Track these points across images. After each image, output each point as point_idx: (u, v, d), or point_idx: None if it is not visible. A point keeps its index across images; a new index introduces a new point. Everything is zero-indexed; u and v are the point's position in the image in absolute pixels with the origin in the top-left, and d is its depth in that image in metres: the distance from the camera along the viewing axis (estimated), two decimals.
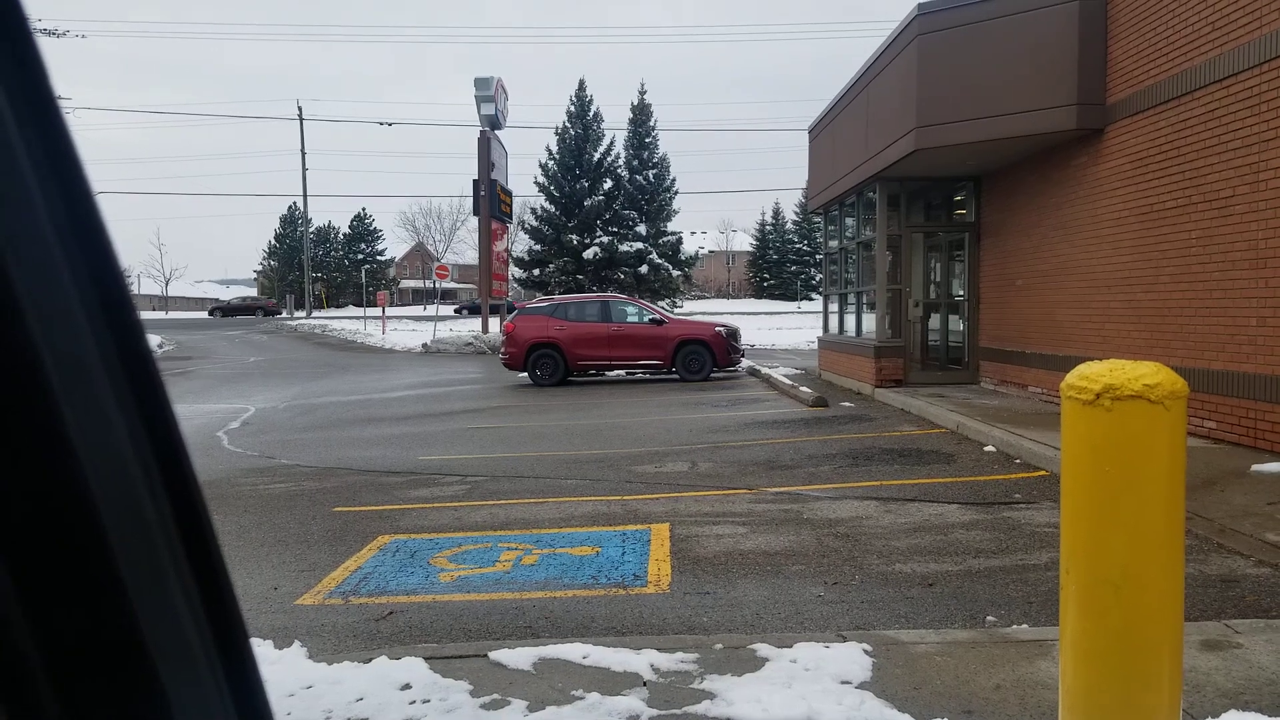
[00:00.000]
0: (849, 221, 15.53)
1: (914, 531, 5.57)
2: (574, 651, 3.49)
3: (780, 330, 35.51)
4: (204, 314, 78.04)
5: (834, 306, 16.70)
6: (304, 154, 54.11)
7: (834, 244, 16.58)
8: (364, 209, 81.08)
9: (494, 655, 3.50)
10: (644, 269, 40.98)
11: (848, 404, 12.21)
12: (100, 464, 0.53)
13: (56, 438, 0.51)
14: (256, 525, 6.30)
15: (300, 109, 54.58)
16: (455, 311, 57.52)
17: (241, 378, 19.88)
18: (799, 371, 17.47)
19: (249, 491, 7.54)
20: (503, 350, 17.38)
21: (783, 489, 6.90)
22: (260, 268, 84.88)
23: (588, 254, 40.42)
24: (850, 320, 15.33)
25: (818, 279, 67.92)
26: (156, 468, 0.57)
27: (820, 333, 18.05)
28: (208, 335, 36.69)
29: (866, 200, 14.09)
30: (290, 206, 79.49)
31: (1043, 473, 7.16)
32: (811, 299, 68.44)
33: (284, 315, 57.86)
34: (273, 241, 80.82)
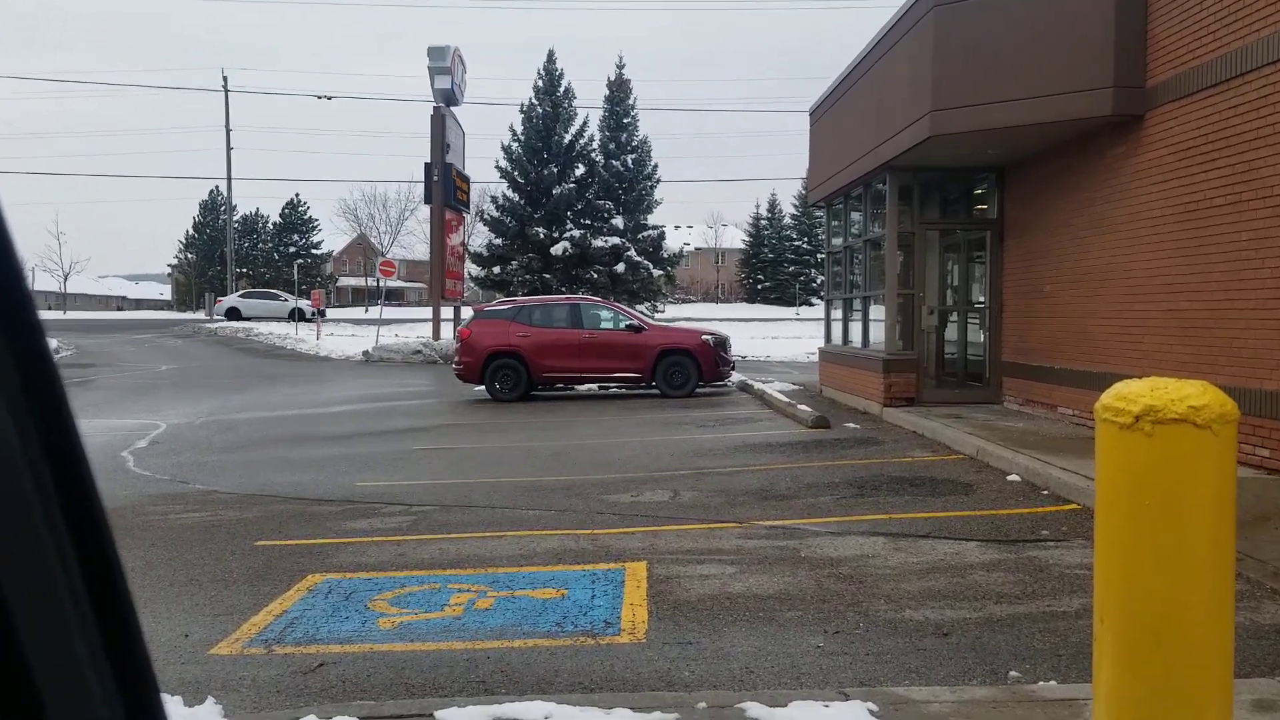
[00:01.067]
0: (855, 216, 15.62)
1: (927, 573, 5.58)
2: (535, 711, 3.46)
3: (776, 340, 35.66)
4: (109, 314, 77.14)
5: (837, 313, 16.79)
6: (229, 130, 53.73)
7: (838, 242, 16.68)
8: (297, 195, 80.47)
9: (441, 715, 3.46)
10: (620, 268, 41.05)
11: (852, 425, 12.27)
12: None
13: None
14: (166, 561, 6.20)
15: (225, 79, 54.25)
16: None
17: (151, 389, 19.65)
18: (797, 387, 17.54)
19: (158, 521, 7.43)
20: (456, 359, 17.32)
21: (777, 523, 6.92)
22: (176, 261, 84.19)
23: (556, 249, 40.43)
24: (856, 329, 15.41)
25: (819, 281, 68.36)
26: (55, 492, 0.55)
27: (821, 343, 18.13)
28: (113, 339, 36.27)
29: (875, 192, 14.19)
30: (212, 191, 78.97)
31: (1074, 506, 7.21)
32: (812, 304, 68.85)
33: (203, 316, 57.33)
34: (191, 231, 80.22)
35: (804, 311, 62.76)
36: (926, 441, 10.71)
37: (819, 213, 61.30)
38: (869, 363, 13.79)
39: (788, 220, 77.87)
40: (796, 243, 75.04)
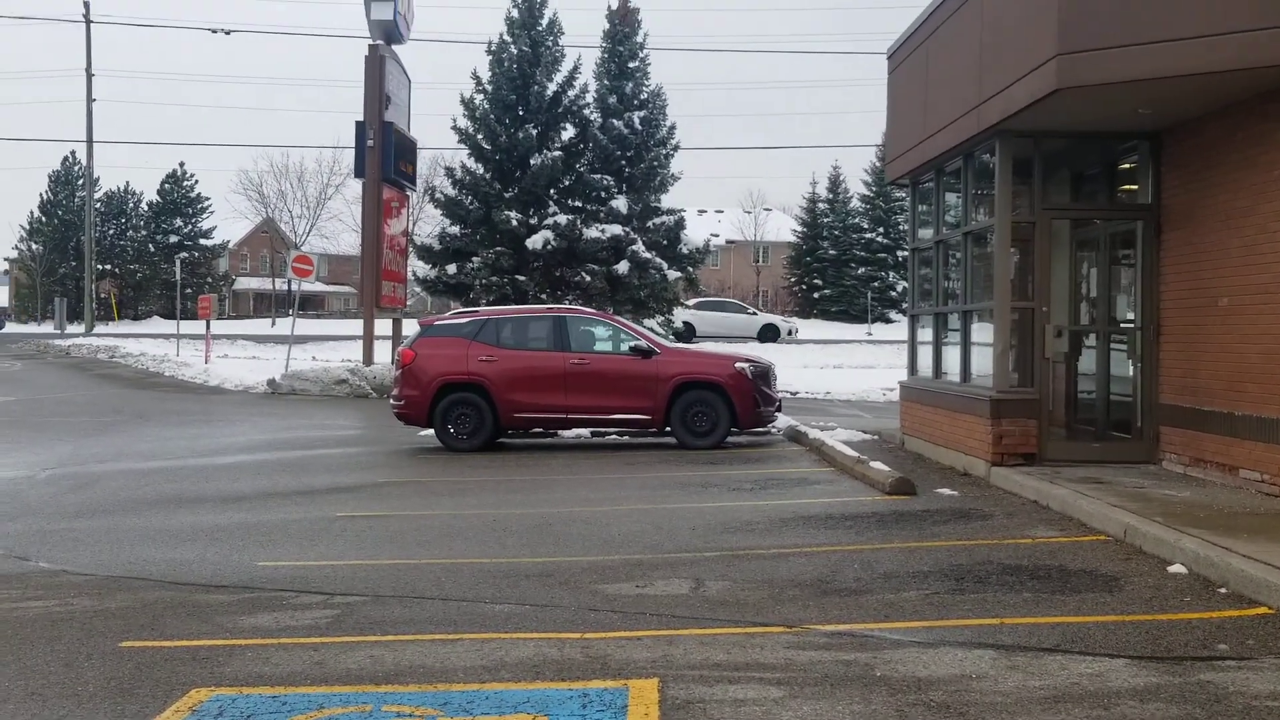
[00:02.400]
0: (951, 199, 15.62)
1: (1055, 701, 5.51)
2: None
3: (840, 369, 35.59)
4: None
5: (926, 333, 16.74)
6: (90, 75, 54.29)
7: (927, 234, 16.67)
8: (182, 165, 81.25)
9: None
10: (623, 267, 41.08)
11: (947, 490, 12.19)
12: None
13: None
14: None
15: (87, 7, 54.81)
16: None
17: None
18: (869, 437, 17.47)
19: None
20: (396, 393, 17.32)
21: (842, 627, 6.85)
22: (15, 254, 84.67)
23: (534, 241, 40.48)
24: (952, 356, 15.36)
25: (900, 289, 68.42)
26: None
27: (904, 375, 18.05)
28: None
29: (979, 166, 14.19)
30: (66, 158, 79.84)
31: (1264, 610, 7.13)
32: (890, 320, 68.83)
33: (52, 330, 57.61)
34: (36, 214, 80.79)
35: (879, 330, 62.72)
36: (1052, 516, 10.62)
37: (900, 193, 61.19)
38: (971, 404, 13.73)
39: (856, 203, 77.94)
40: (868, 235, 75.13)
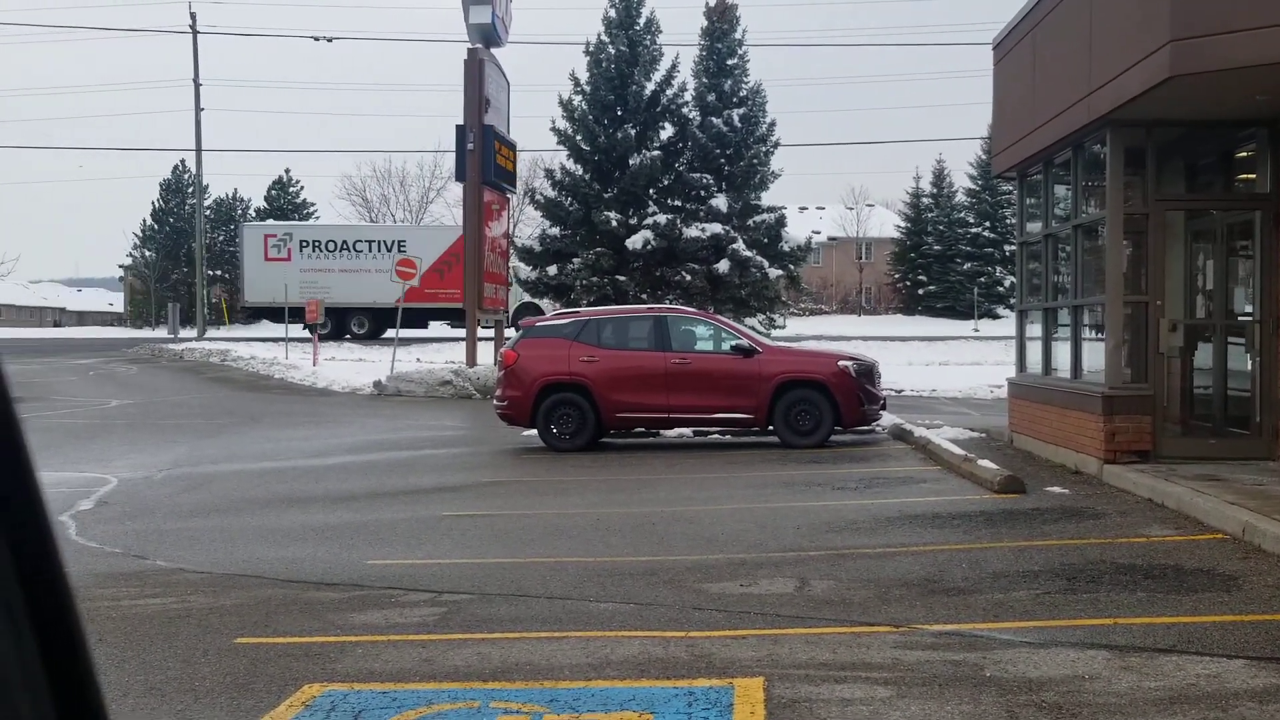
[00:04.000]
0: (1061, 192, 15.41)
1: (1171, 703, 5.44)
2: None
3: (945, 367, 35.24)
4: (44, 331, 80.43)
5: (1035, 329, 16.57)
6: (197, 85, 55.69)
7: (1035, 228, 16.46)
8: (288, 171, 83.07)
9: None
10: (723, 266, 41.04)
11: (1057, 489, 12.05)
12: None
13: None
14: (117, 663, 6.39)
15: (193, 17, 56.30)
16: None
17: (97, 432, 20.34)
18: (976, 434, 17.28)
19: (107, 609, 7.66)
20: (499, 394, 17.52)
21: (950, 627, 6.82)
22: (129, 260, 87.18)
23: (634, 241, 40.64)
24: (1062, 352, 15.17)
25: (1008, 284, 67.36)
26: (14, 574, 0.58)
27: (1011, 372, 17.85)
28: (48, 364, 37.73)
29: (1090, 157, 13.97)
30: (176, 167, 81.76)
31: None
32: (998, 316, 67.85)
33: (166, 334, 59.26)
34: (149, 222, 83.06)
35: (986, 326, 61.91)
36: (1168, 514, 10.45)
37: (1007, 187, 60.36)
38: (1082, 400, 13.53)
39: (961, 198, 76.95)
40: (974, 229, 74.16)
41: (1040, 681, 5.76)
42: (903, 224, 79.41)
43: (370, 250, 46.39)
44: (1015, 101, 16.27)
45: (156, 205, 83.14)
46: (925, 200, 77.65)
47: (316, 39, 52.27)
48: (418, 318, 44.43)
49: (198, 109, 55.27)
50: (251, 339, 45.86)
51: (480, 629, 6.98)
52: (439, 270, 43.67)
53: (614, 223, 40.50)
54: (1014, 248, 18.68)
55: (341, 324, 45.85)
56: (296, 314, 39.62)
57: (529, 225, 61.22)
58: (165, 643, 6.83)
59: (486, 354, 29.91)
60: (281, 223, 57.83)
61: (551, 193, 43.30)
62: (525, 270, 43.36)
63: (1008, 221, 67.41)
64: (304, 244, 46.97)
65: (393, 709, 5.51)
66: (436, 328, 47.51)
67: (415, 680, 5.97)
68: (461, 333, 32.33)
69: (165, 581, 8.68)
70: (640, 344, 17.23)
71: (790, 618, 7.11)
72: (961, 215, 75.70)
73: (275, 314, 45.50)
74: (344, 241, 47.11)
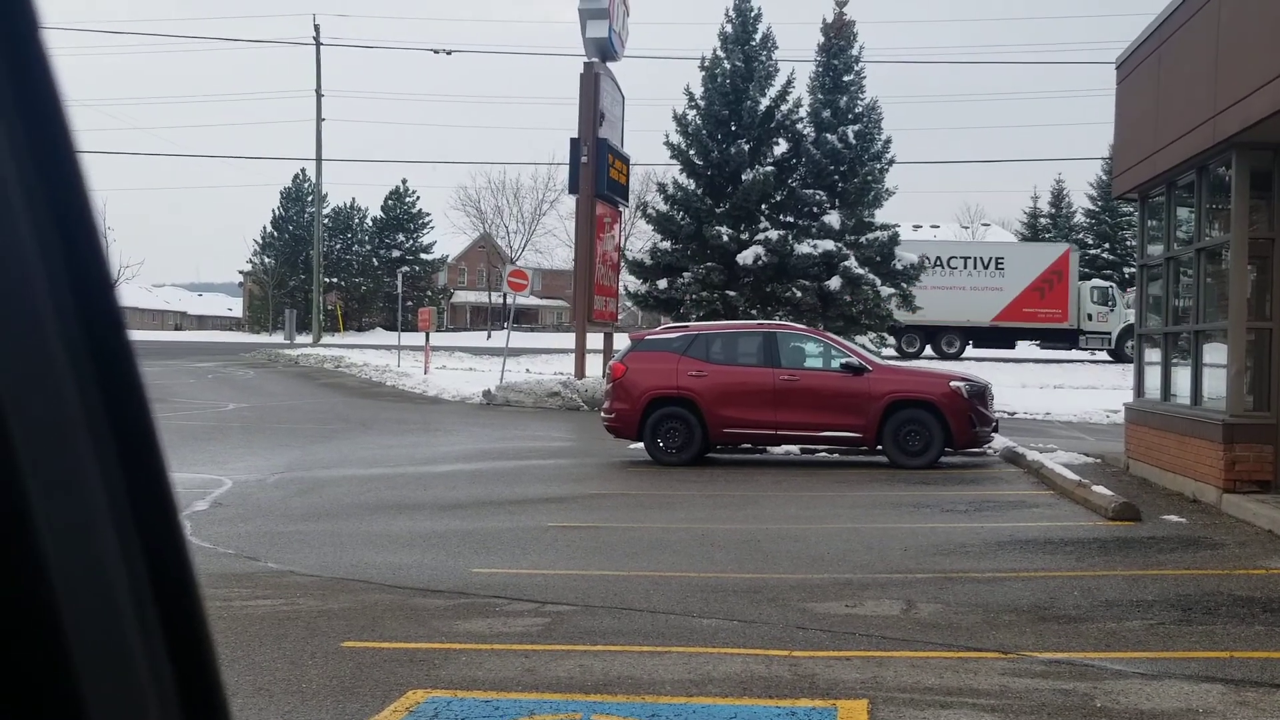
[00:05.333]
0: (1184, 214, 15.09)
1: None
2: None
3: (1060, 390, 34.58)
4: (164, 333, 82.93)
5: (1154, 354, 16.24)
6: (319, 96, 57.08)
7: (1157, 250, 16.13)
8: (404, 182, 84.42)
9: None
10: (835, 283, 40.72)
11: (1174, 518, 11.82)
12: (78, 582, 0.56)
13: (18, 527, 0.54)
14: (227, 663, 6.52)
15: (317, 29, 57.69)
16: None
17: (213, 434, 20.90)
18: (1091, 460, 16.94)
19: (219, 610, 7.85)
20: (606, 406, 17.62)
21: (1060, 655, 6.71)
22: (250, 267, 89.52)
23: (745, 257, 40.53)
24: (1182, 376, 14.83)
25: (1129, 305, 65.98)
26: (147, 576, 0.60)
27: (1129, 396, 17.49)
28: (168, 367, 38.90)
29: (1214, 179, 13.65)
30: (297, 176, 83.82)
31: None
32: None
33: (282, 339, 60.66)
34: (269, 229, 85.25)
35: (1103, 350, 60.57)
36: None
37: (1128, 208, 59.14)
38: (1201, 428, 13.21)
39: (1080, 218, 75.62)
40: (1094, 251, 72.72)
41: (1153, 714, 5.63)
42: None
43: (966, 267, 45.56)
44: (1138, 122, 15.99)
45: (277, 213, 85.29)
46: (1043, 220, 76.56)
47: (436, 51, 53.21)
48: (1006, 337, 44.04)
49: (319, 119, 56.64)
50: (365, 346, 46.77)
51: (583, 641, 7.01)
52: (1039, 289, 43.01)
53: (725, 238, 40.43)
54: (1134, 270, 18.30)
55: (933, 341, 45.30)
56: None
57: (640, 239, 61.50)
58: (274, 644, 6.97)
59: (595, 366, 30.11)
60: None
61: (663, 206, 43.38)
62: (635, 283, 43.53)
63: (1128, 244, 66.10)
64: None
65: (495, 717, 5.56)
66: (546, 339, 47.89)
67: (517, 690, 6.01)
68: (571, 343, 32.52)
69: (275, 583, 8.87)
70: (749, 360, 17.20)
71: (896, 640, 7.03)
72: (1080, 236, 74.34)
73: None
74: (938, 258, 46.10)
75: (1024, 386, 33.76)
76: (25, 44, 0.61)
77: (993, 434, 17.22)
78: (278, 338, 66.84)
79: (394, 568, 9.38)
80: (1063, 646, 6.89)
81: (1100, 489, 12.86)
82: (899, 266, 43.46)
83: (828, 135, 42.78)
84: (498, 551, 10.20)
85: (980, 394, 16.83)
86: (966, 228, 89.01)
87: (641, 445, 17.32)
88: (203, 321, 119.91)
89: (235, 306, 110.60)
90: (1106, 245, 71.75)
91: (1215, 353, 13.51)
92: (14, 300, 0.58)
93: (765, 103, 42.92)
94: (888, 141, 44.27)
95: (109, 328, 0.64)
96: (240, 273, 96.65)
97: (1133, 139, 16.27)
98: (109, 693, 0.58)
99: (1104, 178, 65.14)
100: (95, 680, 0.57)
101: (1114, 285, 45.05)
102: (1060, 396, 32.04)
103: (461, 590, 8.52)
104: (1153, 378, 16.20)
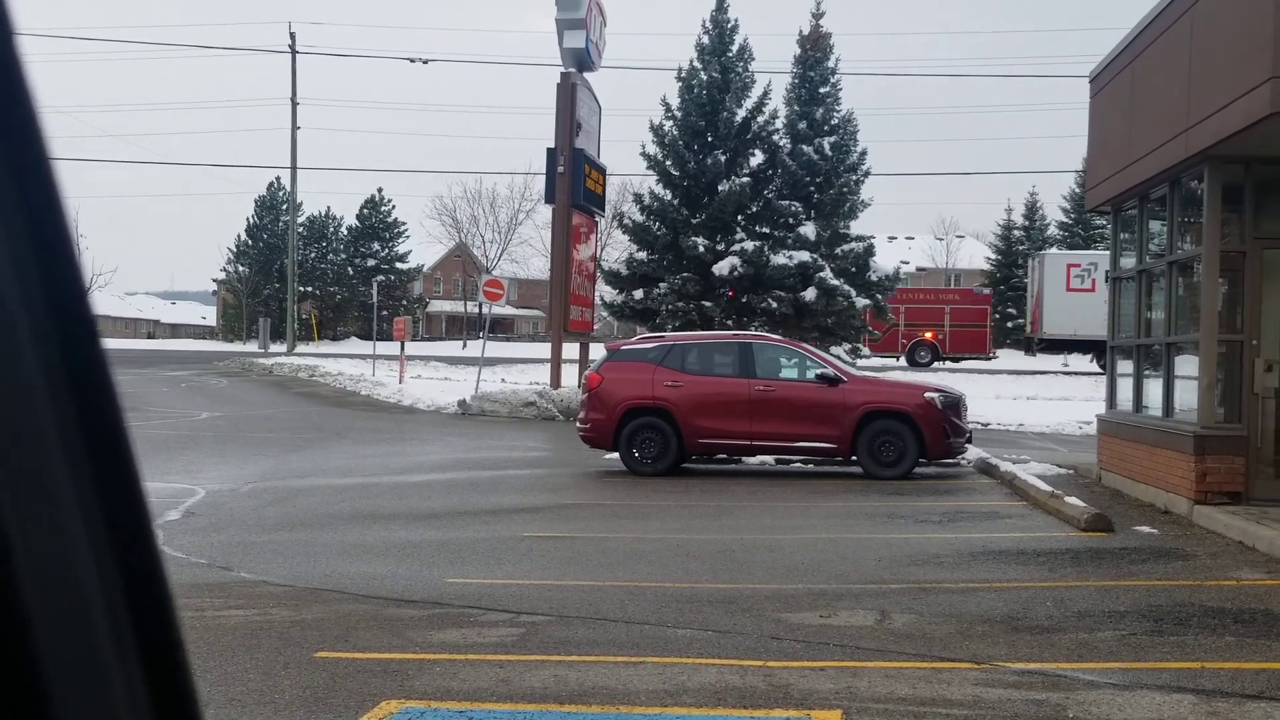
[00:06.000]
0: (1155, 227, 15.20)
1: None
2: None
3: (1033, 401, 34.74)
4: (137, 342, 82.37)
5: (1126, 365, 16.34)
6: (295, 104, 56.89)
7: (1129, 263, 16.24)
8: (380, 191, 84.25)
9: None
10: (810, 294, 40.85)
11: (1146, 529, 11.89)
12: (50, 592, 0.57)
13: None
14: (200, 673, 6.47)
15: (293, 37, 57.49)
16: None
17: (186, 443, 20.79)
18: (1064, 471, 17.03)
19: (191, 620, 7.81)
20: (582, 416, 17.61)
21: (1032, 665, 6.74)
22: (223, 275, 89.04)
23: (721, 267, 40.62)
24: (1154, 389, 14.93)
25: (1100, 319, 66.41)
26: (121, 586, 0.61)
27: (1101, 408, 17.59)
28: (140, 375, 38.64)
29: (1186, 193, 13.76)
30: (271, 184, 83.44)
31: None
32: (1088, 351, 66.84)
33: (257, 348, 60.38)
34: (244, 237, 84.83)
35: (1075, 361, 60.93)
36: (1259, 558, 10.23)
37: (1101, 221, 59.60)
38: (1173, 439, 13.29)
39: (1054, 231, 76.25)
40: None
41: None
42: (993, 256, 78.84)
43: None
44: (1111, 135, 16.10)
45: (251, 221, 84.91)
46: (1017, 233, 77.00)
47: (412, 60, 53.14)
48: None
49: (294, 127, 56.45)
50: (340, 355, 46.59)
51: (558, 651, 7.01)
52: None
53: (701, 248, 40.52)
54: (1109, 282, 18.41)
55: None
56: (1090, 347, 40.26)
57: (616, 249, 61.50)
58: (247, 654, 6.94)
59: (571, 376, 30.10)
60: (1085, 252, 55.32)
61: (639, 217, 43.44)
62: (611, 294, 43.51)
63: (1099, 254, 66.65)
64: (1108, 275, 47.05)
65: None
66: (522, 349, 47.81)
67: (492, 700, 6.01)
68: (547, 353, 32.52)
69: (248, 594, 8.83)
70: (725, 370, 17.24)
71: (870, 650, 7.06)
72: (1053, 248, 74.91)
73: (1073, 347, 45.59)
74: None
75: (998, 398, 33.89)
76: None
77: (967, 445, 17.27)
78: (252, 346, 66.57)
79: (368, 578, 9.35)
80: (1035, 657, 6.92)
81: (1073, 500, 12.92)
82: (874, 277, 43.66)
83: (804, 147, 42.93)
84: (472, 561, 10.18)
85: (954, 405, 16.89)
86: (941, 239, 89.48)
87: (617, 455, 17.31)
88: (176, 330, 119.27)
89: (209, 315, 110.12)
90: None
91: (1187, 365, 13.59)
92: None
93: (742, 114, 43.04)
94: (863, 153, 44.45)
95: (83, 336, 0.65)
96: (214, 281, 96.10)
97: (1106, 152, 16.38)
98: (82, 702, 0.59)
99: (1077, 190, 65.69)
100: (68, 690, 0.58)
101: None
102: (1034, 408, 32.21)
103: (436, 600, 8.50)
104: (1125, 389, 16.30)
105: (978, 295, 58.76)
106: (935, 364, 51.58)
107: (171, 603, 0.68)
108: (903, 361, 51.81)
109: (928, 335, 53.75)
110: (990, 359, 52.34)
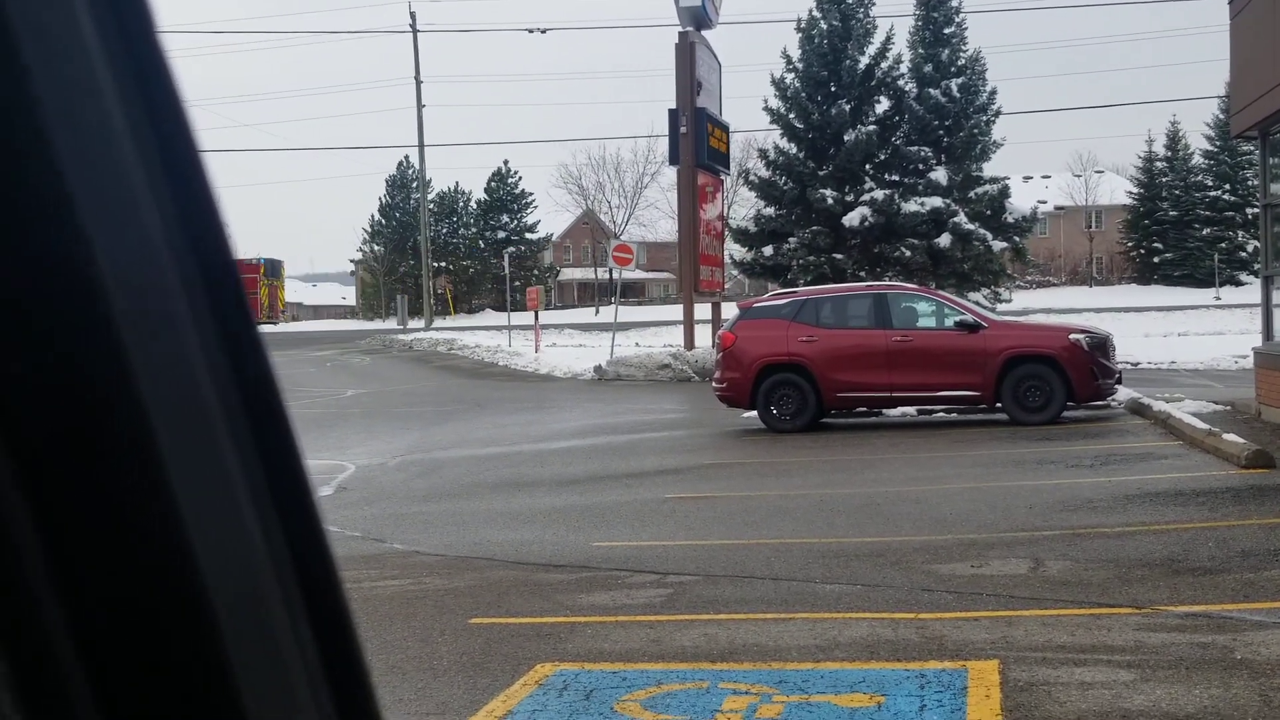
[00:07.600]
0: None
1: None
2: None
3: (1185, 337, 33.79)
4: (281, 325, 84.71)
5: None
6: (419, 83, 57.75)
7: (1279, 188, 15.61)
8: (506, 163, 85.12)
9: None
10: (944, 240, 40.12)
11: None
12: (225, 568, 0.59)
13: (165, 510, 0.57)
14: (361, 643, 6.70)
15: (413, 17, 58.31)
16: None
17: (335, 420, 21.38)
18: (1220, 407, 16.49)
19: (349, 590, 7.99)
20: (717, 376, 17.61)
21: (1196, 608, 6.56)
22: (359, 255, 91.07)
23: (850, 218, 40.14)
24: None
25: (1251, 249, 63.91)
26: (289, 559, 0.63)
27: (1258, 340, 16.99)
28: (287, 356, 39.80)
29: None
30: (401, 163, 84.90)
31: None
32: (1241, 283, 64.55)
33: (395, 325, 61.69)
34: (377, 217, 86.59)
35: (1228, 294, 58.96)
36: None
37: (1249, 146, 57.30)
38: None
39: (1198, 160, 73.60)
40: (1213, 193, 70.76)
41: None
42: (1135, 190, 76.43)
43: None
44: (1254, 56, 15.47)
45: (383, 200, 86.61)
46: (1159, 164, 74.51)
47: (530, 30, 53.47)
48: None
49: (419, 105, 57.34)
50: (476, 327, 47.38)
51: (706, 610, 7.04)
52: None
53: (830, 200, 40.08)
54: (1257, 210, 17.74)
55: None
56: None
57: (743, 206, 61.24)
58: (404, 623, 7.12)
59: (704, 336, 30.10)
60: None
61: (765, 172, 43.16)
62: (740, 251, 43.36)
63: (1250, 183, 64.11)
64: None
65: (623, 688, 5.62)
66: (653, 311, 47.92)
67: (644, 660, 6.07)
68: (679, 315, 32.58)
69: (402, 564, 9.05)
70: (860, 322, 17.07)
71: (1024, 599, 6.95)
72: (1199, 179, 72.34)
73: None
74: None
75: (1147, 336, 33.01)
76: (146, 49, 0.63)
77: (1116, 386, 16.84)
78: (390, 323, 67.93)
79: (516, 544, 9.51)
80: (1199, 599, 6.74)
81: (1231, 437, 12.51)
82: (1010, 219, 42.64)
83: (930, 90, 42.11)
84: (617, 525, 10.28)
85: (1101, 345, 16.47)
86: (1079, 176, 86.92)
87: (755, 414, 17.28)
88: (318, 311, 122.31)
89: (349, 295, 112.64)
90: (1227, 186, 69.63)
91: None
92: (151, 298, 0.61)
93: (864, 61, 42.35)
94: (993, 93, 43.48)
95: (240, 321, 0.66)
96: (351, 261, 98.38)
97: (1249, 74, 15.76)
98: (260, 671, 0.61)
99: (1221, 117, 63.14)
100: (246, 659, 0.60)
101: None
102: (1185, 344, 31.30)
103: (584, 564, 8.60)
104: None
105: None
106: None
107: (338, 574, 0.71)
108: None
109: None
110: None
